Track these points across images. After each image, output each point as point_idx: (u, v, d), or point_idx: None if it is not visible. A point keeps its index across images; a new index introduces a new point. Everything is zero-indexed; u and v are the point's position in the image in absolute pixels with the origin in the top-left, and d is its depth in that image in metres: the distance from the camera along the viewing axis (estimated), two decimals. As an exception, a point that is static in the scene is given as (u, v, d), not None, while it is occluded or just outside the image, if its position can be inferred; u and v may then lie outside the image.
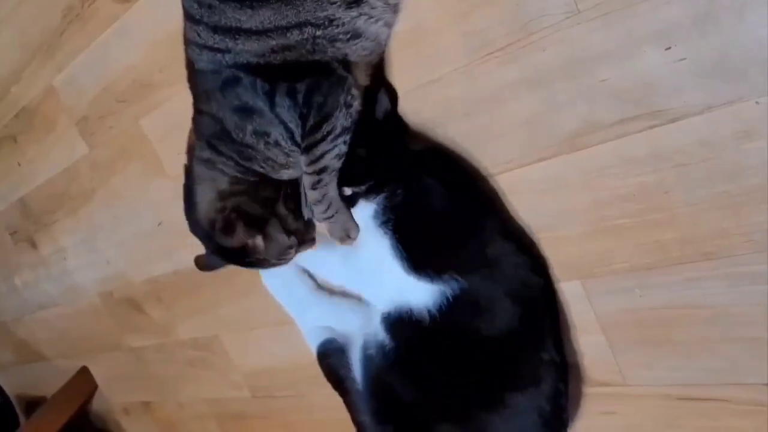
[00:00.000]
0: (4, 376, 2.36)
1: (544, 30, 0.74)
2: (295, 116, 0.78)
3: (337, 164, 0.80)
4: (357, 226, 0.85)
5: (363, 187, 0.81)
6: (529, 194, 0.84)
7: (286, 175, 0.84)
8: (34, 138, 1.51)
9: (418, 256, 0.81)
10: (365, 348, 0.93)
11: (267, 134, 0.80)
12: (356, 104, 0.79)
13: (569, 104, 0.76)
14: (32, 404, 2.26)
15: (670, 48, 0.67)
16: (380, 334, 0.87)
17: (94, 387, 1.91)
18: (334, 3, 0.73)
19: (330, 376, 1.04)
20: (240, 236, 0.84)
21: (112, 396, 1.90)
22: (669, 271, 0.78)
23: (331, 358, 1.03)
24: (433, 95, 0.86)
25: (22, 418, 2.38)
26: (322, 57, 0.76)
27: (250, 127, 0.80)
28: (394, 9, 0.79)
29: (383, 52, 0.85)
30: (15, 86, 1.46)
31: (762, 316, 0.73)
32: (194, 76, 0.84)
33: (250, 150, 0.82)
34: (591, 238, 0.82)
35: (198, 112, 0.85)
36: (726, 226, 0.72)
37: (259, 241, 0.85)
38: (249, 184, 0.85)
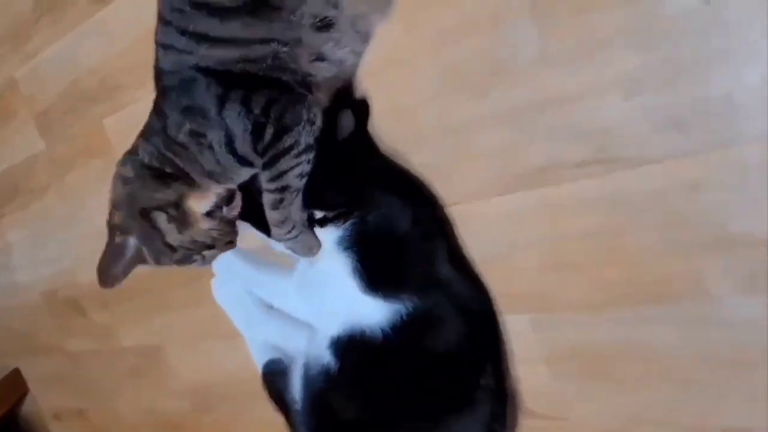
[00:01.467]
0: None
1: (515, 69, 0.77)
2: (245, 123, 0.76)
3: (300, 184, 0.79)
4: (319, 242, 0.86)
5: (332, 213, 0.82)
6: (485, 226, 0.87)
7: (206, 184, 0.83)
8: (-10, 128, 1.47)
9: (376, 277, 0.82)
10: (307, 369, 0.93)
11: (203, 136, 0.78)
12: (318, 122, 0.79)
13: (533, 142, 0.79)
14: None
15: (632, 98, 0.71)
16: (326, 356, 0.88)
17: (25, 390, 1.84)
18: (304, 25, 0.74)
19: (272, 394, 1.04)
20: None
21: (43, 400, 1.83)
22: (616, 309, 0.81)
23: (274, 377, 1.04)
24: (402, 122, 0.88)
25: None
26: (282, 75, 0.76)
27: (187, 126, 0.79)
28: (364, 38, 0.81)
29: (350, 77, 0.87)
30: (-26, 75, 1.42)
31: (699, 360, 0.77)
32: (159, 74, 0.83)
33: (178, 147, 0.80)
34: (542, 273, 0.85)
35: (155, 110, 0.84)
36: (673, 270, 0.75)
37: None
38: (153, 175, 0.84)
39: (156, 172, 0.82)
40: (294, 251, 0.87)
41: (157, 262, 0.88)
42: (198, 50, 0.76)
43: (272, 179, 0.78)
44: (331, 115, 0.83)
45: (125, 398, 1.57)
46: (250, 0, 0.72)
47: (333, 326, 0.87)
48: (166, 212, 0.82)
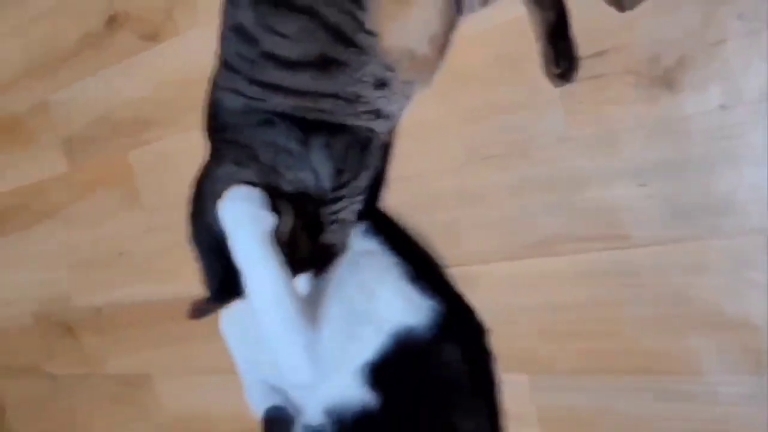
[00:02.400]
0: None
1: (537, 148, 0.85)
2: (328, 167, 0.84)
3: (353, 218, 0.87)
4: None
5: None
6: (489, 288, 0.93)
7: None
8: (10, 146, 1.51)
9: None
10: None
11: (298, 170, 0.85)
12: (372, 168, 0.88)
13: (544, 214, 0.86)
14: None
15: (643, 185, 0.79)
16: (356, 394, 0.86)
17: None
18: (366, 82, 0.82)
19: None
20: None
21: (16, 424, 1.80)
22: (607, 377, 0.87)
23: (275, 424, 1.03)
24: (421, 183, 0.95)
25: None
26: (354, 122, 0.84)
27: (282, 163, 0.84)
28: (409, 96, 0.89)
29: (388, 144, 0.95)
30: (4, 94, 1.47)
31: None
32: (219, 114, 0.87)
33: (275, 174, 0.85)
34: (541, 337, 0.90)
35: (222, 141, 0.88)
36: (665, 346, 0.82)
37: None
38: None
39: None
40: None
41: None
42: (272, 99, 0.82)
43: (330, 213, 0.86)
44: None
45: (102, 428, 1.56)
46: (319, 55, 0.79)
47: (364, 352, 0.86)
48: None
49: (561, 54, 0.78)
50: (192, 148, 1.15)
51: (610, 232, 0.82)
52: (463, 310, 0.94)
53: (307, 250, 0.86)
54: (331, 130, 0.84)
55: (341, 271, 0.90)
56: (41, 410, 1.70)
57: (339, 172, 0.85)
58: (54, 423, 1.69)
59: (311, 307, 0.88)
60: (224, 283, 0.88)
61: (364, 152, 0.86)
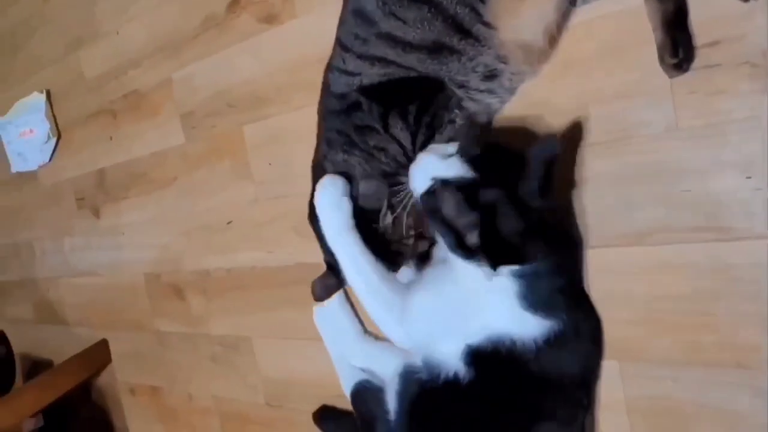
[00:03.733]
0: (17, 331, 2.41)
1: (643, 137, 0.86)
2: (407, 135, 0.90)
3: None
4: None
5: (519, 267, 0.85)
6: (588, 274, 0.94)
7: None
8: (134, 119, 1.63)
9: (538, 298, 0.86)
10: (407, 379, 0.98)
11: (385, 150, 0.92)
12: (458, 121, 0.90)
13: (647, 204, 0.87)
14: (36, 366, 2.31)
15: (750, 177, 0.78)
16: (454, 365, 0.91)
17: (108, 361, 1.96)
18: (476, 72, 0.85)
19: (363, 411, 1.11)
20: None
21: (122, 374, 1.95)
22: (701, 370, 0.87)
23: (365, 394, 1.10)
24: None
25: (19, 378, 2.43)
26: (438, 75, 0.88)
27: (372, 142, 0.93)
28: (512, 92, 0.92)
29: (488, 122, 0.97)
30: (133, 70, 1.59)
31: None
32: (326, 99, 0.97)
33: (373, 158, 0.94)
34: (637, 325, 0.91)
35: (326, 130, 0.97)
36: (762, 342, 0.81)
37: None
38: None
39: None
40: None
41: None
42: (368, 71, 0.89)
43: None
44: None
45: (200, 383, 1.67)
46: (433, 42, 0.84)
47: (465, 337, 0.90)
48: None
49: (678, 44, 0.78)
50: (301, 127, 1.23)
51: (712, 224, 0.82)
52: (587, 328, 0.93)
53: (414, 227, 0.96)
54: (408, 93, 0.88)
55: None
56: (146, 363, 1.84)
57: (413, 134, 0.89)
58: (156, 375, 1.82)
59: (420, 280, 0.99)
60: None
61: (440, 112, 0.89)
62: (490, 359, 0.88)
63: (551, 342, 0.85)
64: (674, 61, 0.79)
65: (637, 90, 0.86)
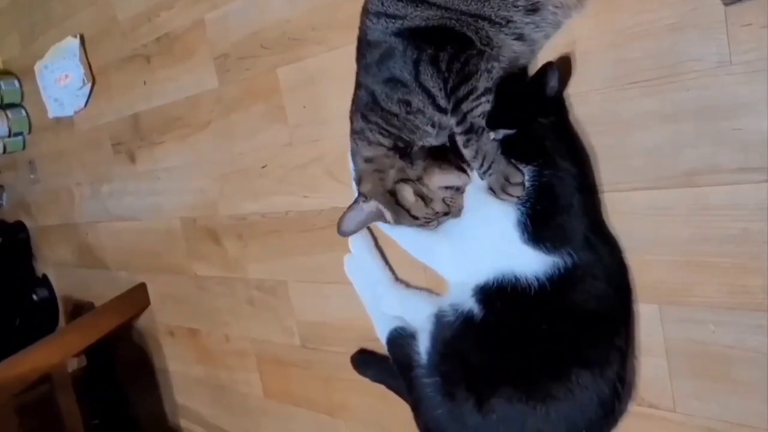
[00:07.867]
0: (59, 274, 2.49)
1: (693, 72, 0.82)
2: (438, 82, 0.88)
3: (482, 122, 0.88)
4: (518, 170, 0.90)
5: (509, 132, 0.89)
6: (630, 215, 0.92)
7: (428, 142, 0.95)
8: (168, 62, 1.63)
9: (541, 230, 0.89)
10: (440, 319, 1.01)
11: (409, 103, 0.91)
12: (495, 70, 0.88)
13: (696, 144, 0.84)
14: (77, 308, 2.38)
15: (806, 116, 0.75)
16: (468, 303, 0.96)
17: (147, 304, 2.01)
18: (518, 7, 0.82)
19: (397, 356, 1.13)
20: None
21: (161, 316, 2.00)
22: (746, 314, 0.85)
23: (399, 339, 1.12)
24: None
25: (62, 319, 2.52)
26: (469, 32, 0.86)
27: (396, 96, 0.92)
28: (558, 25, 0.89)
29: (528, 62, 0.94)
30: (166, 12, 1.58)
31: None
32: (362, 47, 0.96)
33: (394, 118, 0.94)
34: (679, 268, 0.89)
35: (357, 86, 0.98)
36: (812, 285, 0.79)
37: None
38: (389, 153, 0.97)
39: (390, 149, 0.96)
40: (493, 187, 0.92)
41: (397, 223, 1.02)
42: (409, 13, 0.87)
43: (458, 123, 0.89)
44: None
45: (238, 326, 1.71)
46: None
47: (478, 274, 0.95)
48: (411, 185, 0.96)
49: None
50: (336, 68, 1.21)
51: (765, 164, 0.79)
52: (606, 261, 0.93)
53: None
54: (442, 40, 0.87)
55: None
56: (184, 306, 1.88)
57: (445, 80, 0.88)
58: (194, 318, 1.86)
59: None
60: None
61: (473, 59, 0.86)
62: (500, 296, 0.92)
63: (561, 278, 0.87)
64: None
65: (687, 22, 0.82)
